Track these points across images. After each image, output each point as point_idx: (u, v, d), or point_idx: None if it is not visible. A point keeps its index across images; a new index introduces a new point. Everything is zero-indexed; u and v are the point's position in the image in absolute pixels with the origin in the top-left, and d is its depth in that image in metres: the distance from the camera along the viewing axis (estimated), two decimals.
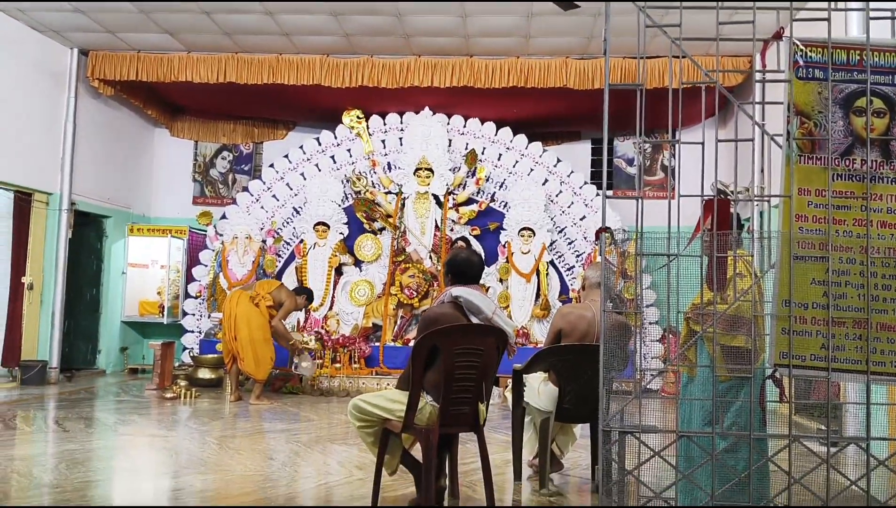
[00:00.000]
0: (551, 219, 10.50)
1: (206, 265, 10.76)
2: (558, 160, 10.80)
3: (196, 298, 10.77)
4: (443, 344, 3.88)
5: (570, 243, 10.61)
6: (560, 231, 10.63)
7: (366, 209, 10.53)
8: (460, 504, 4.32)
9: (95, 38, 9.87)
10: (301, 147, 11.03)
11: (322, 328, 10.03)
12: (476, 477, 4.78)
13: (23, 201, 9.61)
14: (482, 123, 10.84)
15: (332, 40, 9.70)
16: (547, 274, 10.34)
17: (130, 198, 11.82)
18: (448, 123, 10.81)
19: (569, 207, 10.64)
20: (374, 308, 10.28)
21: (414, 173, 10.47)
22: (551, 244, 10.50)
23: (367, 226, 10.65)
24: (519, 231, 10.28)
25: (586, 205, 10.60)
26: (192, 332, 10.70)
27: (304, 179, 10.83)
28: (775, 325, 3.30)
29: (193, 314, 10.77)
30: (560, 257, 10.61)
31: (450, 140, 10.74)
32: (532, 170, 10.68)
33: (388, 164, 10.85)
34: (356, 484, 4.78)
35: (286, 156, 11.06)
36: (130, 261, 11.52)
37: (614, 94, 3.42)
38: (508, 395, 5.27)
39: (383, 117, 10.91)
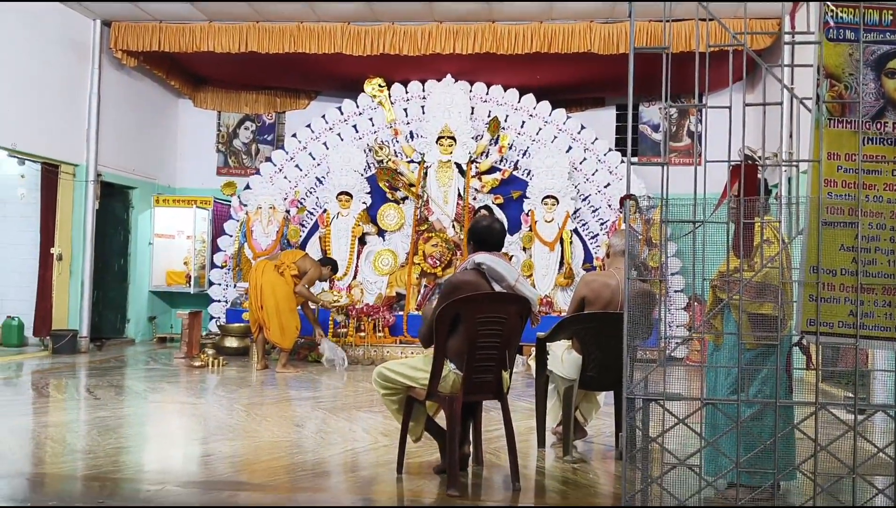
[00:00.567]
0: (575, 187, 10.43)
1: (230, 236, 10.84)
2: (582, 127, 10.70)
3: (222, 268, 10.87)
4: (465, 312, 3.89)
5: (594, 211, 10.54)
6: (584, 199, 10.56)
7: (388, 179, 10.52)
8: (484, 471, 4.35)
9: (118, 8, 9.88)
10: (323, 116, 11.02)
11: (346, 295, 10.09)
12: (500, 444, 4.81)
13: (50, 172, 9.72)
14: (505, 90, 10.75)
15: (354, 7, 9.63)
16: (571, 242, 10.29)
17: (155, 169, 11.90)
18: (470, 91, 10.72)
19: (593, 174, 10.56)
20: (398, 277, 10.32)
21: (436, 142, 10.42)
22: (575, 212, 10.44)
23: (389, 195, 10.64)
24: (542, 199, 10.23)
25: (611, 172, 10.51)
26: (219, 301, 10.82)
27: (327, 148, 10.83)
28: (803, 292, 3.27)
29: (219, 284, 10.88)
30: (584, 225, 10.55)
31: (472, 108, 10.67)
32: (556, 137, 10.59)
33: (411, 132, 10.81)
34: (381, 451, 4.83)
35: (308, 126, 11.05)
36: (157, 232, 11.65)
37: (639, 58, 3.36)
38: (532, 363, 5.28)
39: (405, 85, 10.85)
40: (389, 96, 10.80)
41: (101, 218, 10.47)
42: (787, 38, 3.36)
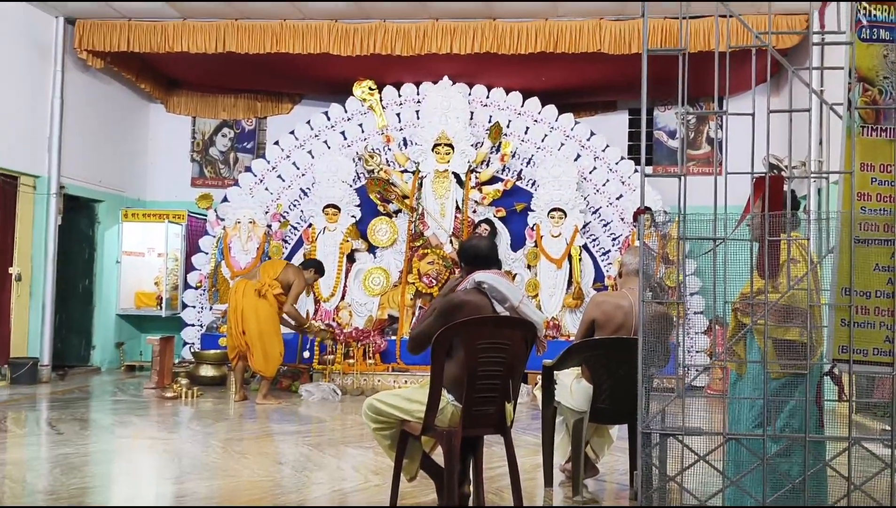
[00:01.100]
0: (584, 199, 10.45)
1: (206, 253, 10.84)
2: (592, 133, 10.73)
3: (196, 288, 10.86)
4: (465, 338, 3.89)
5: (605, 226, 10.56)
6: (594, 212, 10.58)
7: (380, 190, 10.54)
8: None
9: (83, 5, 9.91)
10: (308, 122, 11.05)
11: (333, 320, 10.09)
12: (503, 483, 4.79)
13: (7, 185, 9.72)
14: (507, 94, 10.79)
15: (342, 5, 9.68)
16: (580, 259, 10.30)
17: (124, 180, 11.91)
18: (469, 94, 10.77)
19: (604, 185, 10.58)
20: (390, 298, 10.32)
21: (432, 150, 10.45)
22: (584, 227, 10.46)
23: (381, 208, 10.66)
24: (549, 212, 10.25)
25: (623, 183, 10.54)
26: (193, 326, 10.80)
27: (312, 157, 10.85)
28: (834, 316, 3.27)
29: (194, 306, 10.86)
30: (594, 240, 10.56)
31: (471, 112, 10.71)
32: (563, 144, 10.63)
33: (404, 139, 10.84)
34: (372, 491, 4.82)
35: (292, 132, 11.08)
36: (125, 249, 11.62)
37: (654, 59, 3.39)
38: (538, 393, 5.28)
39: (398, 88, 10.89)
40: (381, 100, 10.84)
41: (65, 234, 10.46)
42: (815, 38, 3.39)
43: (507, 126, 10.71)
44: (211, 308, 10.58)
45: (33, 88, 10.02)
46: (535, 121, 10.73)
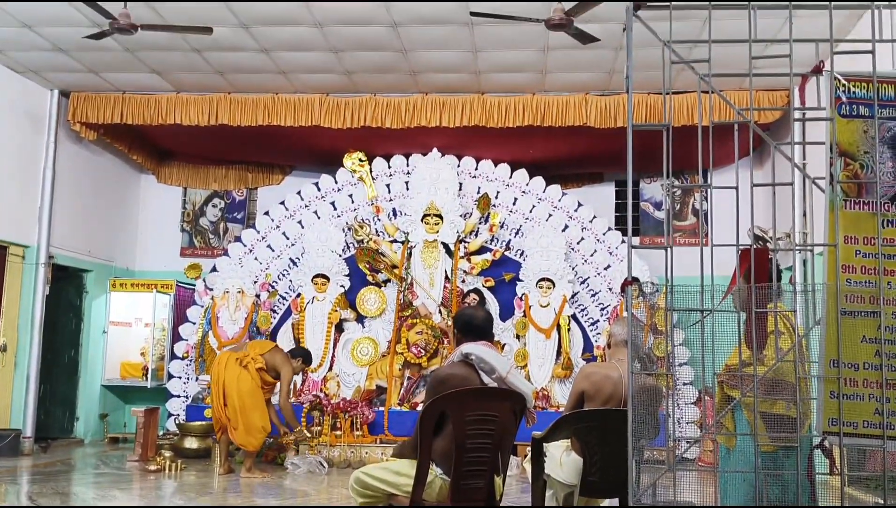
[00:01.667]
0: (573, 269, 10.48)
1: (194, 323, 10.76)
2: (579, 204, 10.83)
3: (183, 359, 10.74)
4: (453, 410, 3.84)
5: (593, 296, 10.57)
6: (582, 282, 10.60)
7: (369, 260, 10.54)
8: None
9: (77, 78, 10.05)
10: (298, 193, 11.11)
11: (321, 391, 9.97)
12: None
13: None
14: (495, 165, 10.91)
15: (333, 78, 9.84)
16: (569, 329, 10.28)
17: (113, 250, 11.89)
18: (458, 166, 10.88)
19: (591, 255, 10.63)
20: (378, 369, 10.23)
21: (421, 220, 10.50)
22: (573, 297, 10.46)
23: (370, 278, 10.65)
24: (537, 282, 10.26)
25: (611, 253, 10.59)
26: (179, 397, 10.65)
27: (302, 227, 10.88)
28: (823, 388, 3.25)
29: (180, 377, 10.73)
30: (583, 310, 10.56)
31: (460, 184, 10.80)
32: (551, 215, 10.70)
33: (394, 210, 10.90)
34: None
35: (282, 203, 11.13)
36: (112, 319, 11.54)
37: (639, 132, 3.44)
38: (527, 466, 5.19)
39: (388, 160, 10.99)
40: (371, 171, 10.93)
41: (52, 304, 10.39)
42: (796, 113, 3.45)
43: (496, 197, 10.80)
44: (197, 379, 10.45)
45: (26, 159, 10.07)
46: (523, 192, 10.82)
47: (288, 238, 10.93)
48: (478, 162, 10.93)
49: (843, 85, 3.35)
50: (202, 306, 10.69)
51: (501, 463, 4.06)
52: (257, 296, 10.57)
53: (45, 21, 8.39)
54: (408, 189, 10.80)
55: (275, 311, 10.72)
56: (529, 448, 5.02)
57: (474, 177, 10.93)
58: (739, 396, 3.52)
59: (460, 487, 3.90)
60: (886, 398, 3.21)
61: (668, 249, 3.40)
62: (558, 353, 10.22)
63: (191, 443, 9.49)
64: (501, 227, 10.70)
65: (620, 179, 11.98)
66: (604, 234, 10.70)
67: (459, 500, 3.93)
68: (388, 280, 10.66)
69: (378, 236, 10.74)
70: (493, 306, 10.42)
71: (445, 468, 3.90)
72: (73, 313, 11.21)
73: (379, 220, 10.82)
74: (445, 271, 10.53)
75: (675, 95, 9.42)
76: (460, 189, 10.78)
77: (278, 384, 8.39)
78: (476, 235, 10.72)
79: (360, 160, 10.93)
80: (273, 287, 10.75)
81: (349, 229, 10.75)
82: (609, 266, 10.54)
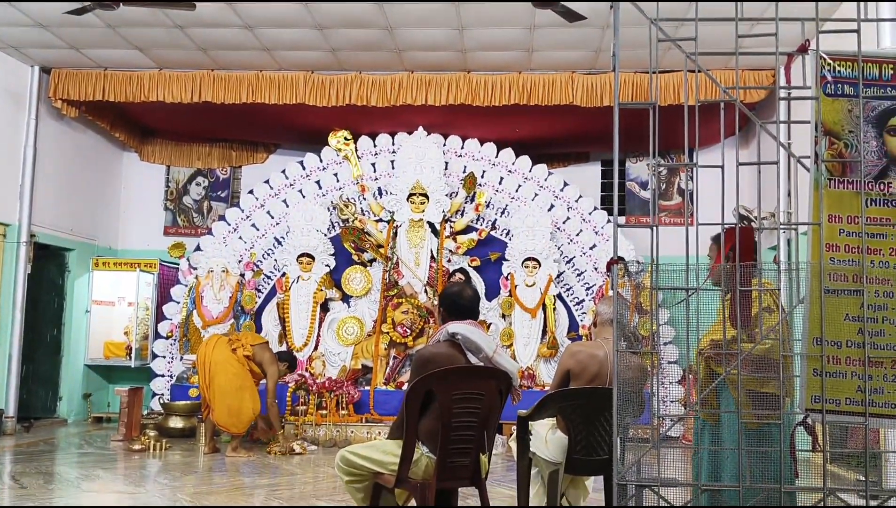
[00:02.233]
0: (558, 248, 10.52)
1: (178, 302, 10.73)
2: (565, 184, 10.85)
3: (167, 338, 10.72)
4: (439, 389, 3.87)
5: (579, 275, 10.61)
6: (568, 262, 10.64)
7: (354, 239, 10.53)
8: None
9: (58, 54, 9.93)
10: (283, 171, 11.07)
11: (306, 370, 9.98)
12: None
13: None
14: (481, 144, 10.90)
15: (318, 56, 9.78)
16: (554, 309, 10.32)
17: (96, 229, 11.82)
18: (444, 145, 10.86)
19: (577, 235, 10.66)
20: (364, 348, 10.25)
21: (407, 199, 10.49)
22: (558, 276, 10.50)
23: (355, 257, 10.64)
24: (523, 262, 10.29)
25: (596, 233, 10.63)
26: (163, 376, 10.64)
27: (287, 206, 10.85)
28: (806, 366, 3.29)
29: (164, 357, 10.71)
30: (568, 290, 10.60)
31: (446, 163, 10.79)
32: (536, 194, 10.72)
33: (379, 189, 10.88)
34: None
35: (267, 181, 11.09)
36: (95, 298, 11.48)
37: (625, 112, 3.44)
38: (513, 444, 5.23)
39: (373, 138, 10.96)
40: (356, 150, 10.90)
41: (34, 283, 10.33)
42: (782, 92, 3.46)
43: (482, 176, 10.80)
44: (181, 358, 10.43)
45: (6, 137, 9.97)
46: (509, 171, 10.82)
47: (272, 217, 10.90)
48: (464, 141, 10.92)
49: (829, 64, 3.37)
50: (186, 286, 10.65)
51: (487, 442, 4.10)
52: (242, 275, 10.54)
53: None
54: (393, 168, 10.78)
55: (259, 290, 10.70)
56: (515, 427, 5.06)
57: (460, 156, 10.92)
58: (724, 373, 3.56)
59: (446, 465, 3.93)
60: (868, 376, 3.25)
61: (654, 228, 3.42)
62: (544, 332, 10.27)
63: (175, 423, 9.49)
64: (487, 206, 10.71)
65: (606, 159, 12.00)
66: (590, 213, 10.73)
67: (445, 478, 3.96)
68: (374, 260, 10.65)
69: (363, 215, 10.72)
70: (478, 285, 10.43)
71: (431, 446, 3.93)
72: (55, 292, 11.15)
73: (364, 199, 10.80)
74: (431, 251, 10.54)
75: (662, 74, 9.44)
76: (446, 168, 10.77)
77: (262, 381, 8.40)
78: (462, 214, 10.72)
79: (346, 139, 10.89)
80: (258, 267, 10.72)
81: (334, 208, 10.73)
82: (595, 246, 10.58)
